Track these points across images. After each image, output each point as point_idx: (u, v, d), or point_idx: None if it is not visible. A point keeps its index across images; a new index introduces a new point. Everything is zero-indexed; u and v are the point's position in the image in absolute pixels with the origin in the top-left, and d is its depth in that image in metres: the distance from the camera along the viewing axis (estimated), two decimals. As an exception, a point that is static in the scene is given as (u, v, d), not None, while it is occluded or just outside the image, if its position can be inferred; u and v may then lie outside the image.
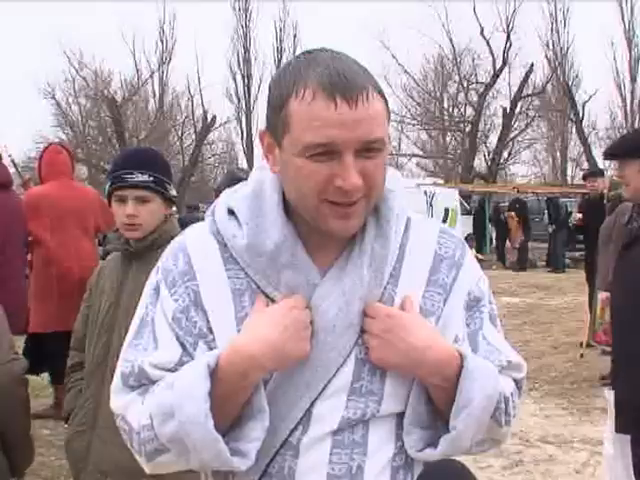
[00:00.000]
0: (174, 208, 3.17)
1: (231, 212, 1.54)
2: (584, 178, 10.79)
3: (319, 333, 1.45)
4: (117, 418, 1.54)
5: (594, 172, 10.91)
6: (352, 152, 1.38)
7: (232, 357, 1.39)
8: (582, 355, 9.27)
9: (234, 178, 4.27)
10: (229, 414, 1.42)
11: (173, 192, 3.02)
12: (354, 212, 1.43)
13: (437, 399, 1.50)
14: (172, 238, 1.65)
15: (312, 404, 1.45)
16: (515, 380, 1.63)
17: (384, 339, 1.44)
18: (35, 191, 6.46)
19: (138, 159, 2.96)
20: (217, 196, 1.54)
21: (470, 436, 1.48)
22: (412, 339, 1.45)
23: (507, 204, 23.61)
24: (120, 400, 1.53)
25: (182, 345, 1.49)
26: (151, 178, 2.89)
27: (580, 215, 10.55)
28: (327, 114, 1.37)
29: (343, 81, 1.38)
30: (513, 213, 21.48)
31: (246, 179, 1.63)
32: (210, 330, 1.49)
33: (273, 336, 1.39)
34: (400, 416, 1.50)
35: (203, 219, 1.60)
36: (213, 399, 1.37)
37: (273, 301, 1.47)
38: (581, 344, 9.49)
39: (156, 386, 1.46)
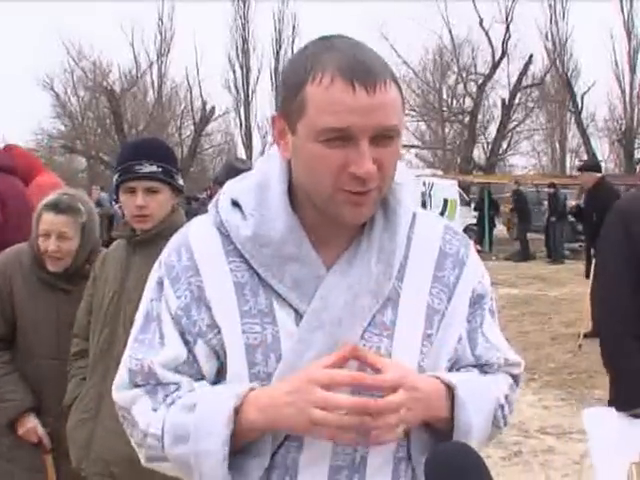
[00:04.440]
0: None
1: (235, 203, 1.53)
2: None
3: (325, 326, 1.44)
4: (119, 410, 1.55)
5: (578, 169, 11.07)
6: (367, 138, 1.37)
7: (249, 415, 1.41)
8: (580, 346, 9.28)
9: (232, 169, 4.24)
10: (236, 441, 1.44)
11: (180, 181, 3.00)
12: (367, 200, 1.42)
13: (438, 426, 1.51)
14: (178, 228, 1.64)
15: None
16: (512, 375, 1.64)
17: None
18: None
19: (146, 149, 2.94)
20: (215, 187, 1.54)
21: None
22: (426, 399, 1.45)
23: (509, 194, 23.68)
24: (124, 394, 1.53)
25: (185, 342, 1.49)
26: (160, 169, 2.87)
27: (574, 203, 10.70)
28: (345, 99, 1.35)
29: (362, 66, 1.37)
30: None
31: (244, 169, 1.62)
32: (212, 326, 1.48)
33: (282, 416, 1.38)
34: None
35: (196, 210, 1.58)
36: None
37: (277, 294, 1.46)
38: (579, 335, 9.50)
39: (173, 401, 1.47)
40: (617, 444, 3.05)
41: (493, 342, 1.62)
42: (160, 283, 1.54)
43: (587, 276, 10.40)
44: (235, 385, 1.45)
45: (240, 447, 1.43)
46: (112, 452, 2.80)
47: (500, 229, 26.90)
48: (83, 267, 3.29)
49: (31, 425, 3.29)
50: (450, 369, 1.58)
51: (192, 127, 40.85)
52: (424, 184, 21.45)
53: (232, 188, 1.56)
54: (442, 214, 19.99)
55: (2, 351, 3.36)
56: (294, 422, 1.37)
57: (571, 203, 11.02)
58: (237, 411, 1.40)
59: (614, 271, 3.11)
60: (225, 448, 1.38)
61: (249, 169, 1.61)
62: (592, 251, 9.82)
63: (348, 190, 1.40)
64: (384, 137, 1.40)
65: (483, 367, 1.61)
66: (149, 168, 2.86)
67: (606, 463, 3.15)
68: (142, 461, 1.54)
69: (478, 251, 1.67)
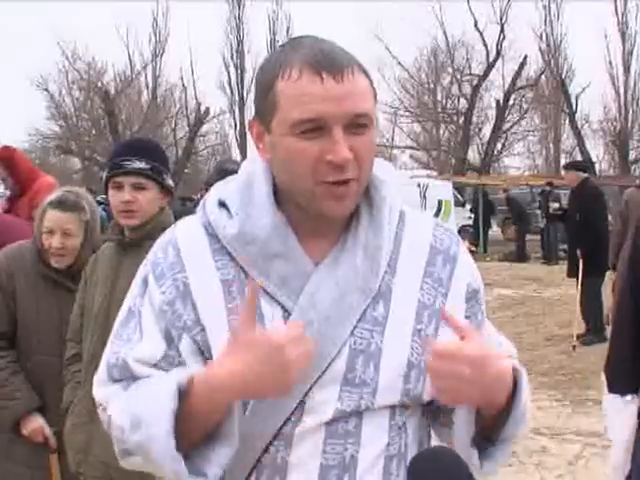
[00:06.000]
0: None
1: (222, 204, 1.54)
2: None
3: (313, 323, 1.45)
4: (99, 408, 1.55)
5: (564, 166, 11.20)
6: (341, 126, 1.40)
7: (202, 383, 1.36)
8: (575, 347, 9.30)
9: (222, 170, 4.23)
10: (197, 433, 1.40)
11: (170, 182, 3.02)
12: (347, 192, 1.44)
13: (485, 414, 1.48)
14: (166, 229, 1.65)
15: (305, 395, 1.45)
16: None
17: (466, 382, 1.35)
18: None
19: (136, 147, 2.97)
20: (207, 190, 1.55)
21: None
22: (490, 380, 1.39)
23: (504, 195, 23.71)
24: (103, 391, 1.53)
25: (167, 339, 1.48)
26: (148, 166, 2.89)
27: (557, 205, 10.83)
28: (314, 89, 1.39)
29: (328, 58, 1.41)
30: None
31: (235, 170, 1.63)
32: (197, 323, 1.48)
33: (249, 378, 1.33)
34: (394, 407, 1.50)
35: (190, 211, 1.60)
36: (181, 417, 1.36)
37: (264, 291, 1.46)
38: (573, 336, 9.53)
39: (134, 388, 1.46)
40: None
41: (494, 337, 1.65)
42: (145, 280, 1.54)
43: (569, 276, 10.40)
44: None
45: (202, 437, 1.41)
46: (112, 455, 2.80)
47: (495, 230, 26.95)
48: (85, 266, 3.30)
49: (37, 425, 3.31)
50: None
51: (187, 128, 40.81)
52: (419, 185, 21.48)
53: (219, 189, 1.58)
54: (437, 215, 20.03)
55: (7, 350, 3.38)
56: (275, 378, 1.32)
57: (555, 205, 11.06)
58: (186, 390, 1.37)
59: (623, 270, 3.25)
60: (168, 425, 1.34)
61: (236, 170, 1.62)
62: (578, 252, 9.83)
63: (328, 182, 1.42)
64: (357, 125, 1.42)
65: None
66: (137, 164, 2.88)
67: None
68: (119, 460, 1.52)
69: (473, 252, 1.68)
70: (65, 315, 3.26)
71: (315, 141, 1.40)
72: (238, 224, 1.49)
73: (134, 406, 1.42)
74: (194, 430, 1.39)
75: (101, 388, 1.54)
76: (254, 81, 1.53)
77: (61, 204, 3.28)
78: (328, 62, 1.40)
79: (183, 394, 1.37)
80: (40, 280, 3.36)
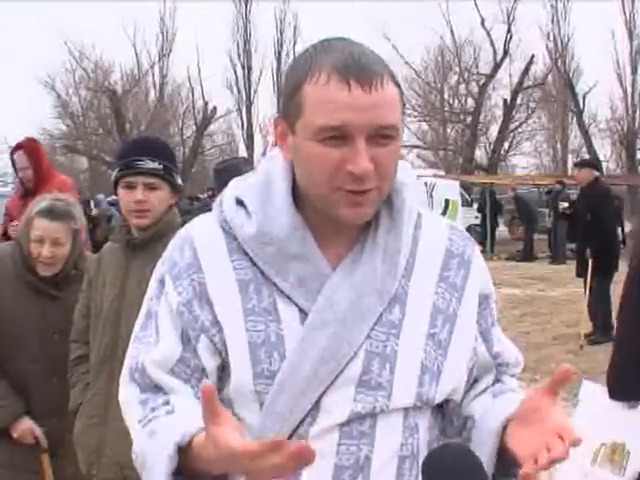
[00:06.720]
0: None
1: (239, 202, 1.53)
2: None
3: (330, 325, 1.45)
4: (123, 406, 1.55)
5: (576, 164, 11.13)
6: (364, 137, 1.38)
7: (196, 449, 1.34)
8: (582, 346, 9.29)
9: (220, 172, 4.17)
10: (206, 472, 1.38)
11: (179, 181, 3.02)
12: (365, 200, 1.42)
13: None
14: (174, 228, 1.64)
15: (321, 396, 1.45)
16: (513, 375, 1.67)
17: None
18: None
19: (147, 146, 2.96)
20: (212, 197, 1.56)
21: None
22: None
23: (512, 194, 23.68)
24: (125, 393, 1.54)
25: (184, 341, 1.49)
26: (161, 165, 2.88)
27: (566, 204, 10.80)
28: (340, 97, 1.36)
29: (358, 65, 1.38)
30: None
31: (234, 164, 1.63)
32: (214, 323, 1.47)
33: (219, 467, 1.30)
34: (407, 408, 1.50)
35: (198, 210, 1.58)
36: (187, 460, 1.36)
37: (281, 292, 1.46)
38: (580, 335, 9.51)
39: (150, 420, 1.46)
40: (600, 422, 3.16)
41: (505, 342, 1.65)
42: (161, 281, 1.54)
43: (578, 275, 10.36)
44: (189, 419, 1.39)
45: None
46: (126, 455, 2.79)
47: (502, 229, 26.90)
48: (70, 272, 3.29)
49: (26, 427, 3.27)
50: (471, 370, 1.59)
51: (194, 127, 40.87)
52: (426, 184, 21.43)
53: (236, 187, 1.57)
54: (444, 214, 19.99)
55: None
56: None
57: (564, 204, 11.06)
58: (189, 443, 1.35)
59: (630, 271, 3.20)
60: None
61: (240, 163, 1.62)
62: (587, 251, 9.78)
63: (345, 189, 1.40)
64: (382, 136, 1.40)
65: (500, 366, 1.64)
66: (151, 164, 2.87)
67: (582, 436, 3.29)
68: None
69: (480, 251, 1.68)
70: (47, 322, 3.26)
71: (337, 148, 1.38)
72: (256, 224, 1.48)
73: (143, 444, 1.45)
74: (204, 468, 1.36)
75: (124, 389, 1.55)
76: (282, 81, 1.52)
77: (51, 213, 3.23)
78: (357, 69, 1.37)
79: (183, 448, 1.36)
80: (23, 286, 3.30)
